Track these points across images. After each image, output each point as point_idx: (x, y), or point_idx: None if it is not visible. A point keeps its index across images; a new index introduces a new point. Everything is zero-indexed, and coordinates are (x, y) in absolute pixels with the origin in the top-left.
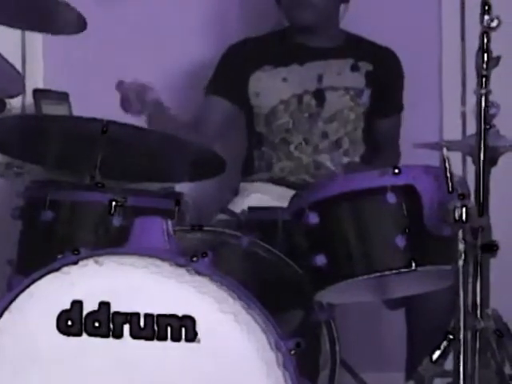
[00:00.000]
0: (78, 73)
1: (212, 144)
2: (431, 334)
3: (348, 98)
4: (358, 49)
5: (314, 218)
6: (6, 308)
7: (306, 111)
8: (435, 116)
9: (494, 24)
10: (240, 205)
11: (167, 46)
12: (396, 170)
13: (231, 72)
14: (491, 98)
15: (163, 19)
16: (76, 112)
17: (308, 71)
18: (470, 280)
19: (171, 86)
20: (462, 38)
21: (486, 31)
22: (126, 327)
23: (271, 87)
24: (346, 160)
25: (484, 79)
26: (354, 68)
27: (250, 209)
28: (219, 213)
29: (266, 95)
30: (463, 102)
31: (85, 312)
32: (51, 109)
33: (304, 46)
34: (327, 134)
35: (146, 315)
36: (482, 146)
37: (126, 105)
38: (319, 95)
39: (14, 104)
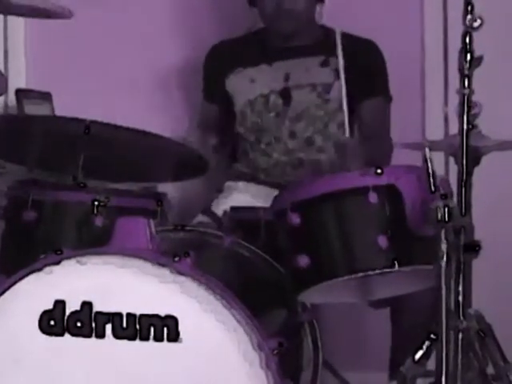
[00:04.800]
0: (60, 73)
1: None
2: (416, 334)
3: (315, 95)
4: (333, 44)
5: (296, 218)
6: None
7: (273, 110)
8: (418, 116)
9: (476, 24)
10: (223, 204)
11: (148, 47)
12: (378, 170)
13: (210, 74)
14: (474, 98)
15: (143, 20)
16: (58, 112)
17: (276, 70)
18: (453, 280)
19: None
20: (445, 38)
21: (469, 31)
22: (109, 327)
23: (240, 88)
24: (321, 156)
25: (466, 79)
26: (324, 64)
27: (233, 209)
28: (200, 214)
29: (236, 96)
30: (446, 102)
31: (67, 312)
32: (34, 109)
33: (277, 46)
34: (295, 133)
35: (129, 315)
36: (465, 146)
37: None
38: (286, 94)
39: None
